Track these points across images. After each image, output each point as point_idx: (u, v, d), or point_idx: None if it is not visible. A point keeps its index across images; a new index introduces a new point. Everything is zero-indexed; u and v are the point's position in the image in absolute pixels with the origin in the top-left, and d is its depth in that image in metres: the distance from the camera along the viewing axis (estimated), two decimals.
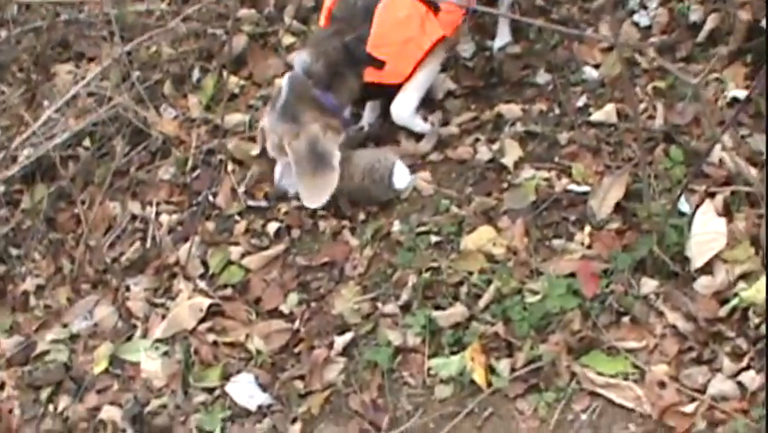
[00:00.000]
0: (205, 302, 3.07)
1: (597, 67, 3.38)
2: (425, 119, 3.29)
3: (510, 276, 2.78)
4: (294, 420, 2.75)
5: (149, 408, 2.88)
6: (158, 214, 3.44)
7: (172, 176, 3.53)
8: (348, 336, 2.85)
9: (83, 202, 3.56)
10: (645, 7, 3.48)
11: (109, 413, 2.90)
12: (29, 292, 3.39)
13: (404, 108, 3.21)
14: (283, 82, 3.11)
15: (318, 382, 2.80)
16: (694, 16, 3.31)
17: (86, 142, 3.77)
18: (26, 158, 3.66)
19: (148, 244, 3.37)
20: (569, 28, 3.49)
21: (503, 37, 3.56)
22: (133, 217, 3.49)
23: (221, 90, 3.70)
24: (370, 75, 3.12)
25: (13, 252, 3.56)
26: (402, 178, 3.14)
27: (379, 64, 3.08)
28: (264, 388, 2.85)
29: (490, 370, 2.62)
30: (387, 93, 3.21)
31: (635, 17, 3.45)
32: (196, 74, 3.86)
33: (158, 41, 3.90)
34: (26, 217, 3.64)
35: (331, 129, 3.06)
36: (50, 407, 3.03)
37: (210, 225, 3.32)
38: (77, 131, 3.73)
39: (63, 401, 3.02)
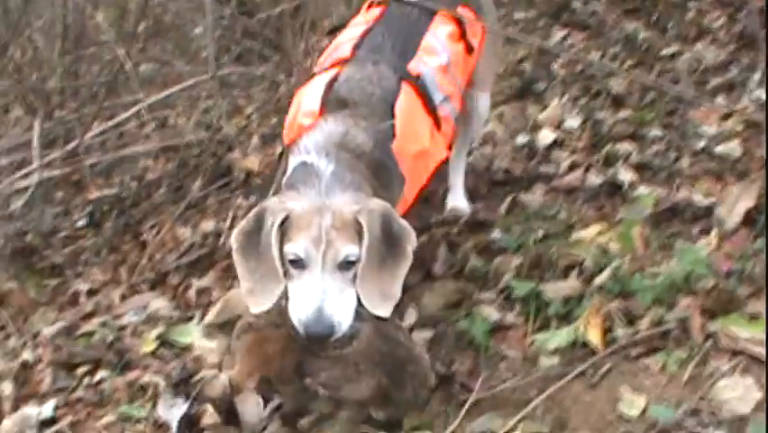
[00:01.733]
0: None
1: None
2: None
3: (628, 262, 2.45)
4: None
5: (198, 376, 2.48)
6: (232, 227, 3.14)
7: (254, 201, 3.28)
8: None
9: (152, 227, 3.32)
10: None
11: (151, 379, 2.50)
12: (79, 293, 3.07)
13: None
14: (308, 155, 2.18)
15: None
16: None
17: (162, 190, 3.60)
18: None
19: (218, 250, 3.06)
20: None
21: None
22: (205, 237, 3.21)
23: None
24: None
25: (68, 273, 3.28)
26: None
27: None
28: None
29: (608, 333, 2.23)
30: None
31: (754, 95, 3.30)
32: None
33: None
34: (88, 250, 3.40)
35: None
36: (86, 380, 2.62)
37: None
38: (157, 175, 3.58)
39: (101, 374, 2.62)
